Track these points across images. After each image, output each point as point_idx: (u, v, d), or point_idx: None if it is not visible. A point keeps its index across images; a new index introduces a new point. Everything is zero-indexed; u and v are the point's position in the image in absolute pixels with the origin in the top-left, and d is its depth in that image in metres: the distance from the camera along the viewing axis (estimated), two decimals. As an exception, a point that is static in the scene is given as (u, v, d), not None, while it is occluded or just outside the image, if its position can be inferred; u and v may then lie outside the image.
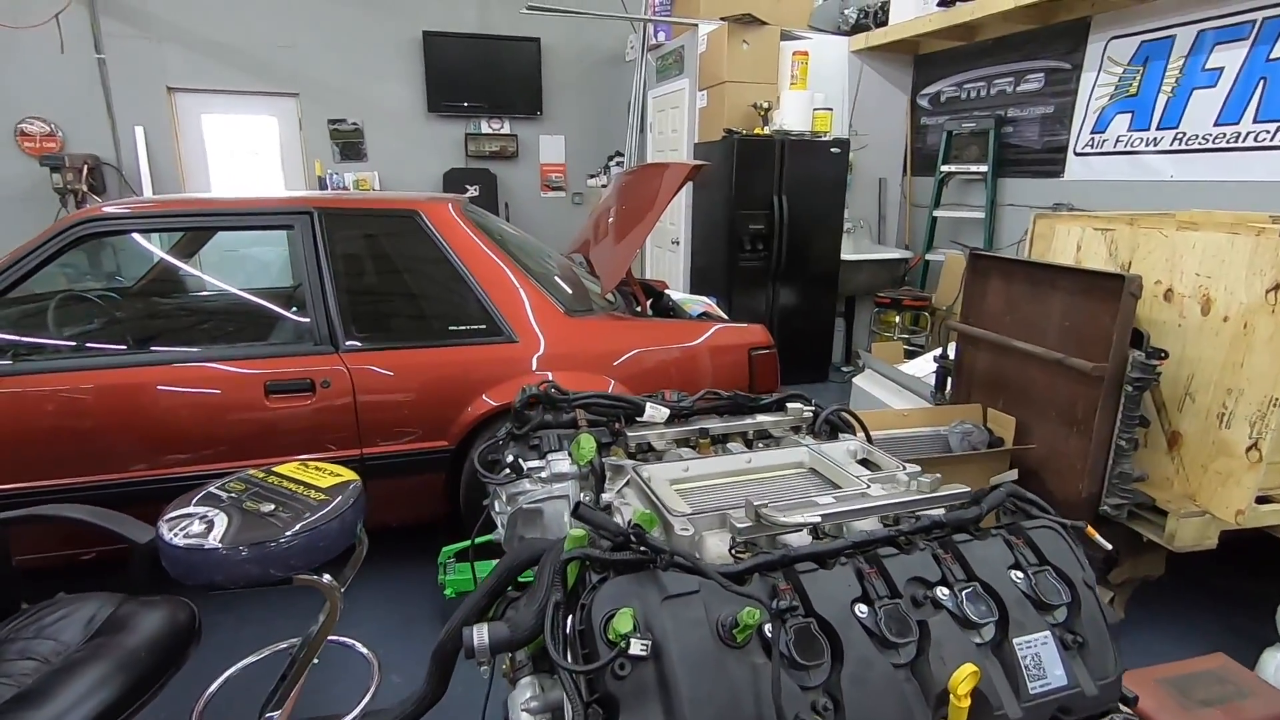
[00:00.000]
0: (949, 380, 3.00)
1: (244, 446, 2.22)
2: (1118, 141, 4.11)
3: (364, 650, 2.05)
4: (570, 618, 0.72)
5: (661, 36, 5.95)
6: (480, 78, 6.59)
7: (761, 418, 1.22)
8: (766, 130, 4.86)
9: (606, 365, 2.53)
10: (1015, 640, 0.76)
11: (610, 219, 3.24)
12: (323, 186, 6.32)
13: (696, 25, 5.20)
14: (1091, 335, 2.20)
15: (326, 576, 1.57)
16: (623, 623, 0.66)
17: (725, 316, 3.38)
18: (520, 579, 0.97)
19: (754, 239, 4.91)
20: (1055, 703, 0.75)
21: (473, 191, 6.65)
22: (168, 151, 6.01)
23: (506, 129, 6.90)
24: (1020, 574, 0.81)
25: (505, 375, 2.44)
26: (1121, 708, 0.79)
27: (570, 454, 1.09)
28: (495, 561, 2.17)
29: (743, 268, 4.95)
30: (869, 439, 1.22)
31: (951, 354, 2.98)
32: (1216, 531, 2.14)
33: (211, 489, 1.60)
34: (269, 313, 2.66)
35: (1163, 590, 2.49)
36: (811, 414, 1.24)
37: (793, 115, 4.85)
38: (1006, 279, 2.58)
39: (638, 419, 1.16)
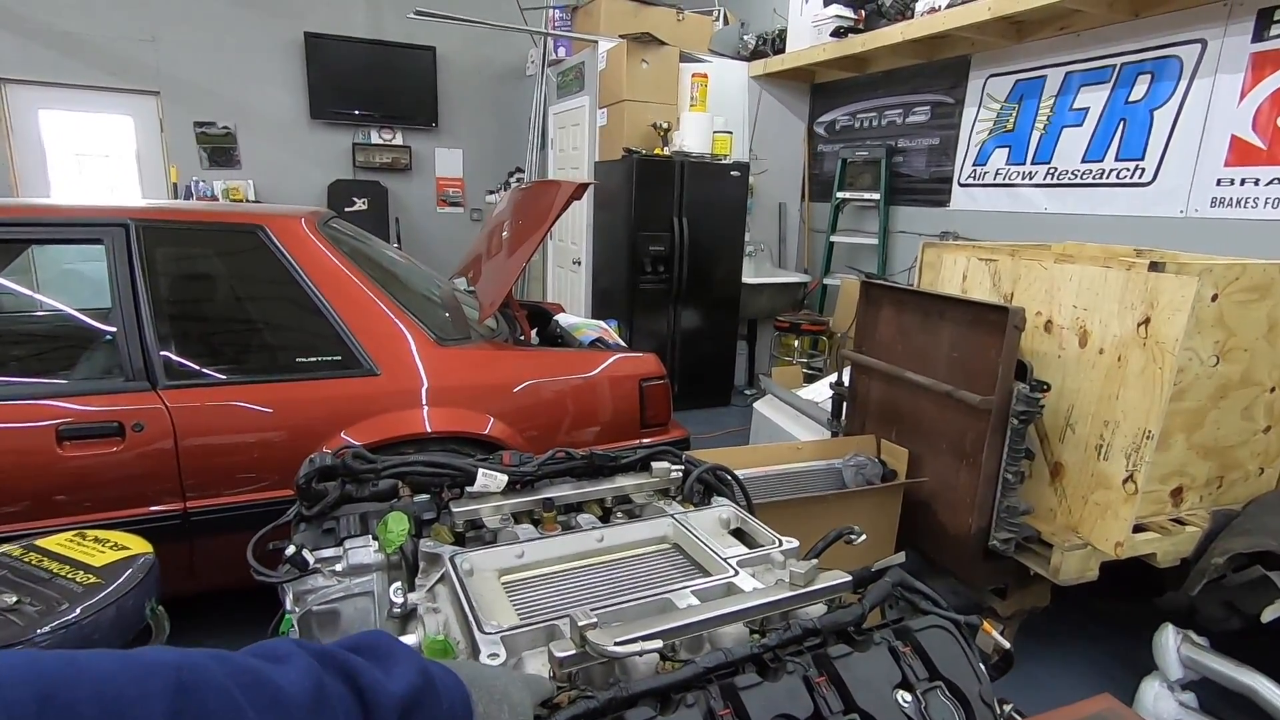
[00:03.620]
0: (844, 408, 2.95)
1: (27, 507, 1.83)
2: (997, 174, 4.29)
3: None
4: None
5: (562, 52, 5.81)
6: (370, 85, 6.21)
7: (621, 480, 1.04)
8: (666, 151, 4.78)
9: (485, 400, 2.30)
10: (902, 790, 0.60)
11: (499, 238, 3.02)
12: (185, 195, 5.73)
13: (596, 42, 5.09)
14: (978, 367, 2.17)
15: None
16: None
17: (622, 343, 3.22)
18: None
19: (655, 261, 4.80)
20: None
21: (361, 205, 6.23)
22: (-4, 150, 5.28)
23: (399, 140, 6.53)
24: (907, 696, 0.65)
25: (365, 412, 2.16)
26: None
27: (377, 538, 0.87)
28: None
29: (644, 290, 4.84)
30: (748, 501, 1.06)
31: (846, 381, 2.94)
32: (1098, 563, 2.15)
33: (-62, 575, 1.25)
34: (71, 340, 2.26)
35: (1047, 619, 2.50)
36: (681, 473, 1.07)
37: (693, 137, 4.80)
38: (898, 308, 2.55)
39: (469, 488, 0.95)
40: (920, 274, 2.88)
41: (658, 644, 0.61)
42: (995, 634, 0.73)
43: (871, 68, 5.05)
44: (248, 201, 5.89)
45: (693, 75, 4.88)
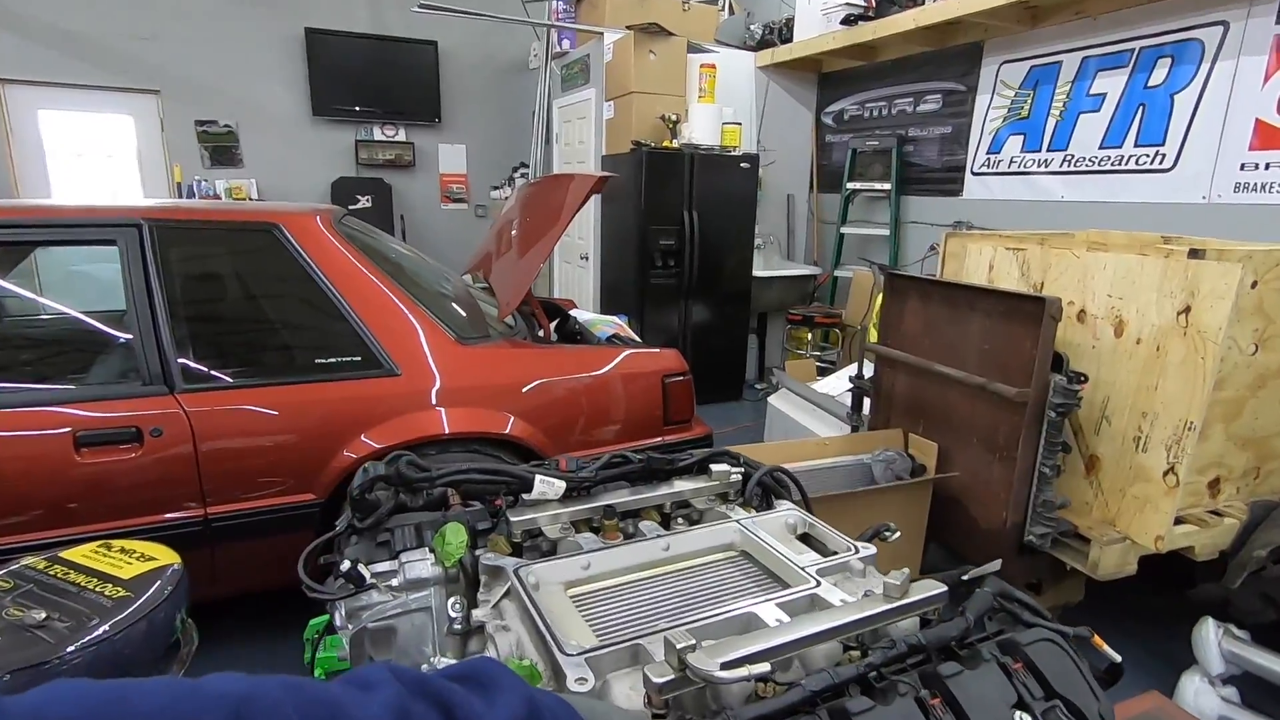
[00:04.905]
0: (865, 402, 2.90)
1: (44, 515, 1.79)
2: (1012, 162, 4.23)
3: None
4: None
5: (566, 44, 5.73)
6: (372, 81, 6.14)
7: (680, 484, 0.99)
8: (675, 143, 4.72)
9: (505, 399, 2.25)
10: (1032, 821, 0.56)
11: (511, 234, 2.96)
12: (188, 194, 5.67)
13: (602, 33, 5.02)
14: (1012, 359, 2.13)
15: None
16: None
17: (637, 338, 3.17)
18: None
19: (665, 255, 4.75)
20: None
21: (364, 202, 6.17)
22: (-5, 151, 5.22)
23: (402, 136, 6.47)
24: (1026, 717, 0.61)
25: (387, 414, 2.12)
26: None
27: (433, 550, 0.82)
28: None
29: (654, 284, 4.78)
30: (806, 503, 1.02)
31: (866, 374, 2.89)
32: (1136, 557, 2.11)
33: (-38, 591, 1.21)
34: (85, 344, 2.21)
35: (1081, 614, 2.46)
36: (740, 475, 1.02)
37: (701, 129, 4.74)
38: (924, 300, 2.50)
39: (525, 495, 0.90)
40: (942, 264, 2.82)
41: (765, 667, 0.57)
42: (1105, 647, 0.69)
43: (881, 56, 4.98)
44: (251, 200, 5.83)
45: (701, 66, 4.82)
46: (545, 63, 5.85)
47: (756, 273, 5.16)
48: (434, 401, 2.16)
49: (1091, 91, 3.80)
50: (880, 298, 2.75)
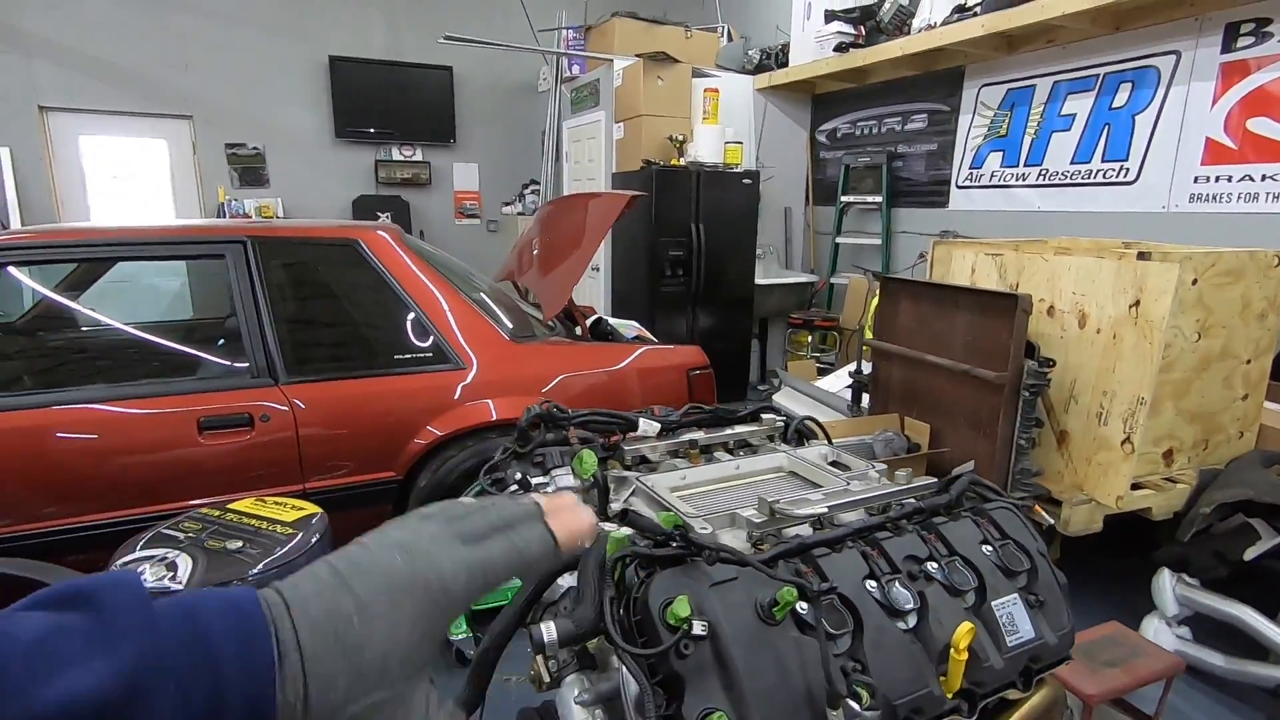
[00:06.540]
0: (864, 395, 3.25)
1: (173, 487, 2.10)
2: (992, 176, 4.62)
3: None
4: (623, 611, 0.79)
5: (576, 69, 6.11)
6: (390, 104, 6.50)
7: (739, 428, 1.33)
8: (682, 161, 5.09)
9: (554, 389, 2.58)
10: (992, 603, 0.89)
11: (540, 248, 3.30)
12: (219, 213, 5.99)
13: (612, 60, 5.39)
14: (991, 348, 2.47)
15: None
16: (681, 608, 0.74)
17: (654, 339, 3.51)
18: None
19: (674, 265, 5.10)
20: (1027, 653, 0.89)
21: (384, 219, 6.50)
22: (40, 176, 5.52)
23: (419, 156, 6.81)
24: (989, 548, 0.94)
25: (455, 402, 2.44)
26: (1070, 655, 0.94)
27: (573, 469, 1.15)
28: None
29: (664, 292, 5.12)
30: (830, 444, 1.35)
31: (865, 370, 3.24)
32: (1101, 516, 2.45)
33: (163, 530, 1.52)
34: (198, 346, 2.53)
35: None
36: (783, 423, 1.36)
37: (706, 148, 5.11)
38: (915, 300, 2.85)
39: (631, 434, 1.24)
40: (931, 269, 3.18)
41: (824, 509, 0.90)
42: (1042, 512, 1.03)
43: (871, 79, 5.37)
44: (277, 218, 6.15)
45: (705, 90, 5.19)
46: (555, 86, 6.23)
47: (758, 281, 5.52)
48: (494, 391, 2.49)
49: (1062, 112, 4.19)
50: (875, 301, 3.10)
